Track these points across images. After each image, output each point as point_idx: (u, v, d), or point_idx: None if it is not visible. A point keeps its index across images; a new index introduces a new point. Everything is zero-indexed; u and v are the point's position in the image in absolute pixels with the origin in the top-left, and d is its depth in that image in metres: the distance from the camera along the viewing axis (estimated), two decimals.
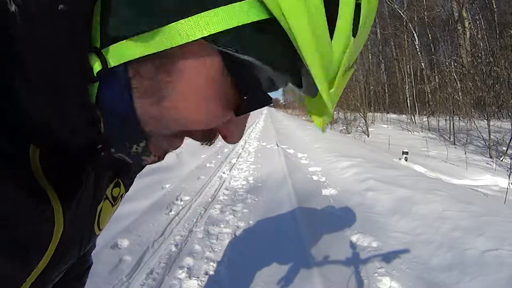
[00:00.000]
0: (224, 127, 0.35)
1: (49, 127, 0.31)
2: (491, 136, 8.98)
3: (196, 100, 0.30)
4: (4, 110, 0.28)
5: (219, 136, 0.41)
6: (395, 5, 19.85)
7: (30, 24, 0.26)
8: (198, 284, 2.22)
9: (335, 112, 18.39)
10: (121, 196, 0.52)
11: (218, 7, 0.25)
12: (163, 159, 0.38)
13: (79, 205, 0.39)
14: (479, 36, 16.83)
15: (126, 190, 0.55)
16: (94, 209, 0.44)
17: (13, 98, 0.28)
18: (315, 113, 0.41)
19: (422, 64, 18.32)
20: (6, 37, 0.26)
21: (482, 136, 9.49)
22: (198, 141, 0.37)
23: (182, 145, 0.39)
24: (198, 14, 0.25)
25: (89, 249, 0.70)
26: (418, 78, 19.07)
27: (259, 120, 22.20)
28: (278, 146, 8.44)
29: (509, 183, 4.58)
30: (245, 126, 0.37)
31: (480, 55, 16.02)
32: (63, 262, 0.40)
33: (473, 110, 12.07)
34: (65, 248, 0.38)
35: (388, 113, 20.72)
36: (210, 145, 0.40)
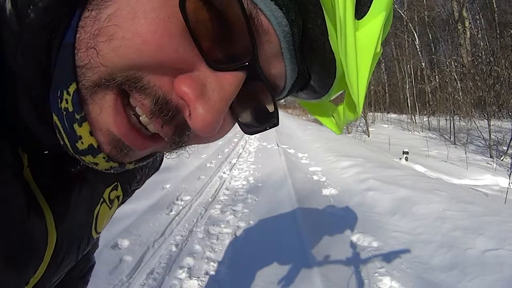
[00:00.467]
0: (191, 88, 0.26)
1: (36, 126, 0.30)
2: (492, 136, 8.96)
3: (143, 7, 0.24)
4: (3, 114, 0.28)
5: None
6: (395, 5, 19.83)
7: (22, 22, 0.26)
8: (199, 284, 2.22)
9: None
10: (118, 198, 0.51)
11: None
12: (121, 161, 0.30)
13: (75, 210, 0.38)
14: (480, 35, 16.81)
15: (126, 194, 0.54)
16: (91, 213, 0.43)
17: (9, 99, 0.28)
18: (321, 114, 0.40)
19: (423, 64, 18.30)
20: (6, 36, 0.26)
21: (483, 136, 9.48)
22: (147, 115, 0.27)
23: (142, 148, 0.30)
24: None
25: (91, 249, 0.70)
26: (419, 78, 19.06)
27: None
28: (278, 146, 8.44)
29: (509, 183, 4.58)
30: (223, 106, 0.27)
31: (480, 54, 16.00)
32: (62, 267, 0.39)
33: (473, 110, 12.05)
34: (63, 254, 0.38)
35: (388, 113, 20.70)
36: (174, 144, 0.31)
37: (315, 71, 0.32)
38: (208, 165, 6.07)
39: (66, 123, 0.27)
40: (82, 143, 0.27)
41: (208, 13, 0.24)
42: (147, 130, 0.29)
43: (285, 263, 2.45)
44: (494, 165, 7.57)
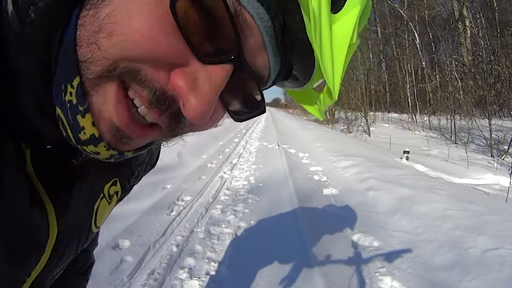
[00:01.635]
0: (184, 81, 0.28)
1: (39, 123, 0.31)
2: (493, 135, 8.95)
3: (139, 7, 0.26)
4: (5, 112, 0.29)
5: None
6: (396, 4, 19.81)
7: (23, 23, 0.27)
8: (199, 284, 2.22)
9: (336, 112, 18.39)
10: (117, 194, 0.52)
11: None
12: (121, 149, 0.31)
13: (75, 204, 0.39)
14: (480, 34, 16.78)
15: (125, 190, 0.55)
16: (91, 208, 0.45)
17: (12, 96, 0.29)
18: (307, 102, 0.42)
19: (423, 63, 18.27)
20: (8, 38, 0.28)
21: (483, 135, 9.47)
22: (145, 105, 0.29)
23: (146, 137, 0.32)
24: None
25: (91, 246, 0.71)
26: (419, 77, 19.03)
27: (261, 120, 22.23)
28: (279, 146, 8.44)
29: (510, 182, 4.57)
30: (213, 97, 0.29)
31: (481, 53, 15.98)
32: (63, 260, 0.41)
33: (474, 109, 12.05)
34: (63, 247, 0.39)
35: (389, 112, 20.70)
36: (170, 134, 0.32)
37: (296, 62, 0.34)
38: (209, 165, 6.07)
39: (69, 115, 0.28)
40: (85, 134, 0.29)
41: (196, 12, 0.27)
42: (145, 120, 0.31)
43: (286, 263, 2.45)
44: (495, 164, 7.57)
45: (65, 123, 0.29)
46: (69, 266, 0.47)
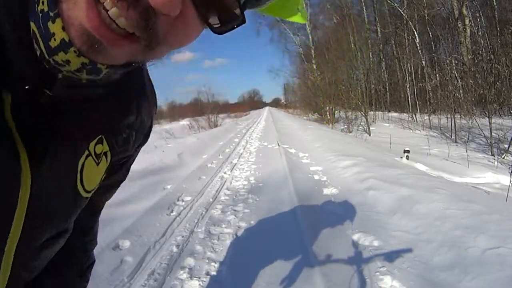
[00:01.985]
0: None
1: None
2: (493, 134, 8.94)
3: None
4: None
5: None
6: (395, 4, 19.79)
7: None
8: (200, 284, 2.23)
9: (336, 112, 18.37)
10: (105, 155, 0.50)
11: None
12: (93, 58, 0.31)
13: (54, 155, 0.38)
14: (480, 33, 16.75)
15: (113, 151, 0.52)
16: (75, 163, 0.43)
17: None
18: (290, 13, 0.43)
19: (423, 62, 18.24)
20: None
21: (484, 134, 9.46)
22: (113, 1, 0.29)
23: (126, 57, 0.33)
24: None
25: (90, 245, 0.70)
26: (419, 76, 18.99)
27: (261, 120, 22.23)
28: (279, 145, 8.44)
29: (511, 181, 4.56)
30: None
31: (480, 52, 15.96)
32: (52, 223, 0.39)
33: (474, 108, 12.02)
34: (44, 202, 0.37)
35: (389, 111, 20.67)
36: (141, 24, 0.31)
37: None
38: (209, 165, 6.08)
39: (41, 25, 0.29)
40: (55, 40, 0.29)
41: None
42: (118, 27, 0.30)
43: (286, 262, 2.45)
44: (496, 163, 7.55)
45: (38, 36, 0.29)
46: (68, 265, 0.46)
